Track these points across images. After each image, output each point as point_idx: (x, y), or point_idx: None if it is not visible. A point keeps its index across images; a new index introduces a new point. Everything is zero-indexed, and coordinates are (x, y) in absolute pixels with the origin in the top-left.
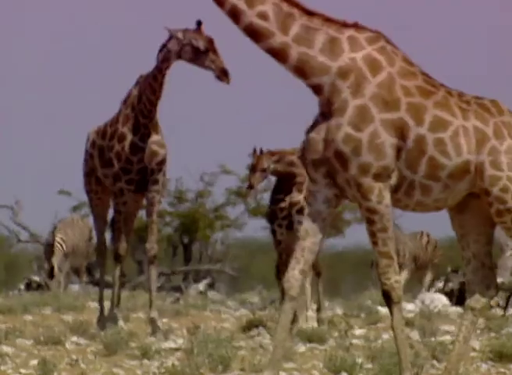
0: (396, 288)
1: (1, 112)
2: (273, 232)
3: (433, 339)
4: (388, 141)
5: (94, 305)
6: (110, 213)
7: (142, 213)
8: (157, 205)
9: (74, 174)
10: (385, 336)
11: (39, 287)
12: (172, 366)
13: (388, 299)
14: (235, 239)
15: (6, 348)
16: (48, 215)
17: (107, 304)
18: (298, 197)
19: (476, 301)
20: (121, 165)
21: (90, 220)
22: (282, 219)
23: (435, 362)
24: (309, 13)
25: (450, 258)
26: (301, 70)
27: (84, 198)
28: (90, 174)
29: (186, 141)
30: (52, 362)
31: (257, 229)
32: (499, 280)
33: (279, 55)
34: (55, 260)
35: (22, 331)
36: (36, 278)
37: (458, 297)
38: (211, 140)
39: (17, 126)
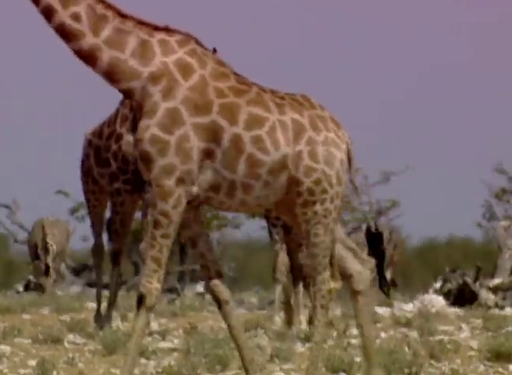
0: (153, 295)
1: (0, 111)
2: (270, 231)
3: (431, 339)
4: (196, 145)
5: (92, 305)
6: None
7: (137, 214)
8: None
9: (72, 175)
10: (383, 336)
11: (39, 287)
12: (168, 366)
13: (140, 303)
14: (232, 239)
15: (4, 348)
16: (45, 215)
17: (104, 304)
18: None
19: (358, 283)
20: (118, 164)
21: (68, 222)
22: (276, 219)
23: (433, 361)
24: (123, 16)
25: (449, 259)
26: (112, 74)
27: (82, 199)
28: (87, 174)
29: None
30: (51, 362)
31: (255, 228)
32: (498, 280)
33: (88, 57)
34: (50, 260)
35: (20, 331)
36: (34, 278)
37: (456, 297)
38: None
39: (16, 126)
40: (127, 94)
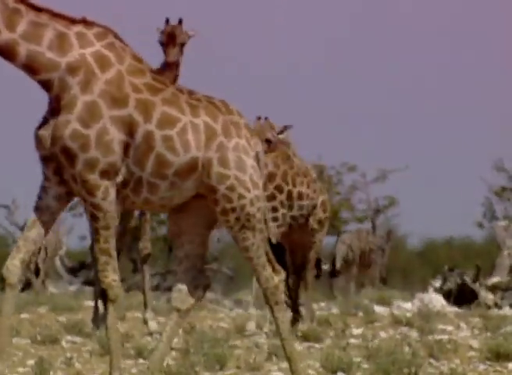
0: (114, 287)
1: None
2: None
3: (431, 338)
4: (116, 137)
5: (90, 304)
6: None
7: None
8: None
9: None
10: (382, 335)
11: (27, 286)
12: (167, 366)
13: (105, 297)
14: (231, 238)
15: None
16: None
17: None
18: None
19: (182, 301)
20: None
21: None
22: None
23: (432, 360)
24: (37, 9)
25: (448, 258)
26: (31, 67)
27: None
28: None
29: None
30: (48, 362)
31: None
32: (497, 279)
33: (6, 52)
34: (40, 260)
35: (18, 330)
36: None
37: (456, 296)
38: None
39: (15, 124)
40: (46, 86)
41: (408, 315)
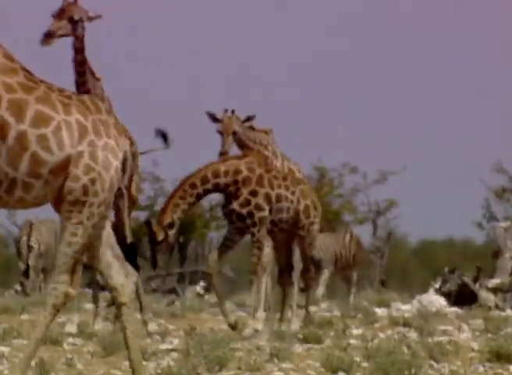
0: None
1: None
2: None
3: (430, 339)
4: None
5: (91, 306)
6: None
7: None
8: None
9: None
10: (382, 336)
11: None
12: (168, 367)
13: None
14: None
15: (3, 349)
16: (44, 215)
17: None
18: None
19: (122, 296)
20: None
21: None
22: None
23: (432, 362)
24: None
25: (448, 259)
26: None
27: None
28: None
29: (184, 142)
30: (49, 363)
31: None
32: (497, 280)
33: None
34: (32, 260)
35: (19, 331)
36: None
37: (456, 298)
38: (207, 141)
39: None
40: None
41: (407, 316)
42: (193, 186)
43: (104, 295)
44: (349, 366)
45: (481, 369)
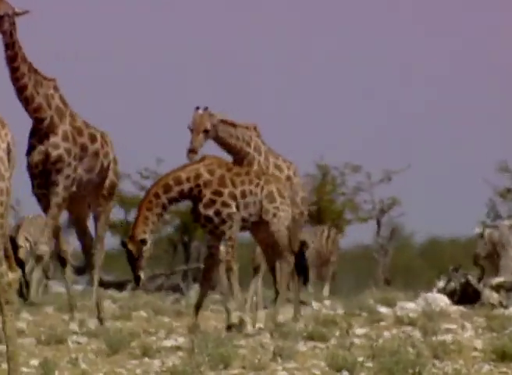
0: None
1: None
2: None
3: (434, 338)
4: None
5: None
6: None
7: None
8: (53, 208)
9: None
10: (387, 335)
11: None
12: (173, 365)
13: None
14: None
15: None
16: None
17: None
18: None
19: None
20: (29, 170)
21: None
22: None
23: (436, 361)
24: None
25: (453, 257)
26: None
27: None
28: None
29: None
30: (53, 362)
31: None
32: (501, 279)
33: None
34: (28, 268)
35: (23, 330)
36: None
37: (460, 296)
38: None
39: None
40: None
41: (412, 315)
42: (157, 196)
43: (109, 293)
44: (353, 365)
45: (485, 368)
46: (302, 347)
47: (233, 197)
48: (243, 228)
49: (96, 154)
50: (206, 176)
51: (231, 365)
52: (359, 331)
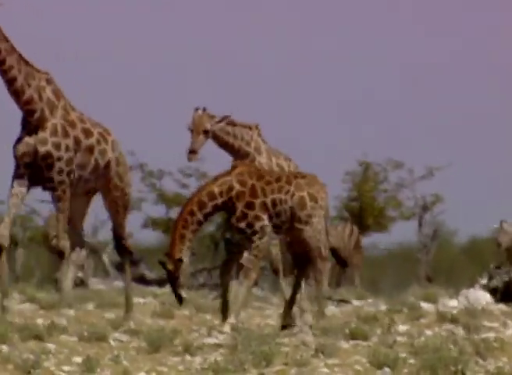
0: None
1: None
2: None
3: (477, 336)
4: None
5: (137, 301)
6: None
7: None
8: (58, 203)
9: None
10: (428, 332)
11: (82, 283)
12: (214, 362)
13: None
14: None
15: (49, 345)
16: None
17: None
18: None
19: None
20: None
21: None
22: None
23: (478, 359)
24: None
25: (495, 255)
26: None
27: None
28: None
29: None
30: (95, 359)
31: None
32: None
33: None
34: None
35: (65, 328)
36: (79, 274)
37: (502, 294)
38: None
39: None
40: None
41: (454, 312)
42: (193, 213)
43: (151, 290)
44: (395, 362)
45: None
46: (344, 344)
47: (265, 208)
48: (276, 233)
49: (90, 150)
50: (238, 187)
51: (273, 362)
52: (401, 328)
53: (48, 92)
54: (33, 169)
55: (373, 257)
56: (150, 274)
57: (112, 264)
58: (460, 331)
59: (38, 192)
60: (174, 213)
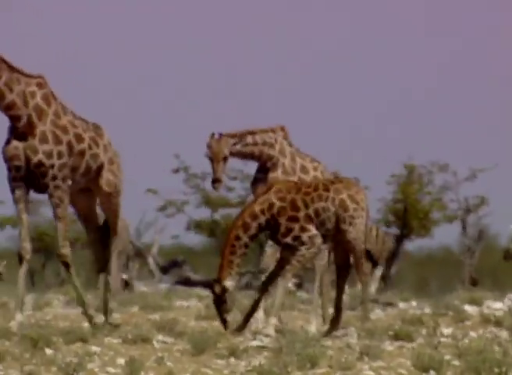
0: None
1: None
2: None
3: None
4: None
5: (182, 303)
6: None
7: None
8: (56, 209)
9: (161, 174)
10: (473, 334)
11: (127, 285)
12: (259, 365)
13: None
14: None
15: (94, 347)
16: (135, 213)
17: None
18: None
19: None
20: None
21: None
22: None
23: None
24: None
25: None
26: None
27: (171, 196)
28: None
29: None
30: (140, 361)
31: None
32: None
33: None
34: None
35: (109, 330)
36: (124, 276)
37: None
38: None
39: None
40: None
41: (498, 314)
42: (239, 238)
43: (196, 292)
44: (440, 364)
45: None
46: (388, 346)
47: (309, 219)
48: (323, 243)
49: (81, 154)
50: (278, 204)
51: (318, 365)
52: (445, 331)
53: (38, 98)
54: (27, 173)
55: (417, 259)
56: (194, 276)
57: (157, 266)
58: (504, 334)
59: None
60: (218, 216)
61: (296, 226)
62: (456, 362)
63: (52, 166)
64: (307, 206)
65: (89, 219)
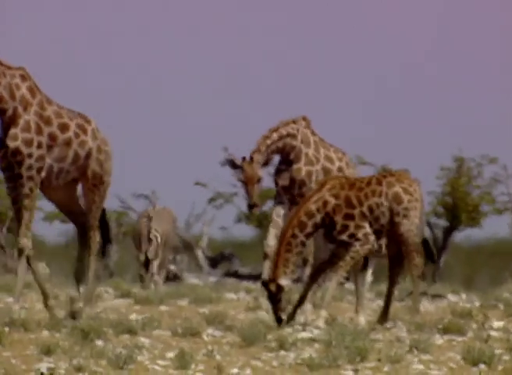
0: None
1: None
2: None
3: None
4: None
5: (231, 296)
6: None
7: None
8: (23, 200)
9: (209, 167)
10: None
11: (176, 277)
12: (308, 358)
13: None
14: None
15: (143, 340)
16: (184, 206)
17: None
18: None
19: None
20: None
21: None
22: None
23: None
24: None
25: None
26: None
27: (220, 189)
28: None
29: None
30: (189, 354)
31: None
32: None
33: None
34: (152, 252)
35: (159, 322)
36: (173, 268)
37: None
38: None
39: (161, 119)
40: None
41: None
42: (295, 236)
43: (245, 285)
44: (490, 358)
45: None
46: (438, 340)
47: (363, 216)
48: (378, 239)
49: (67, 143)
50: (333, 201)
51: (367, 358)
52: (496, 324)
53: (23, 89)
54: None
55: (466, 251)
56: (242, 269)
57: (205, 259)
58: None
59: (134, 188)
60: (267, 207)
61: (352, 224)
62: (506, 357)
63: (30, 155)
64: (361, 203)
65: (72, 210)
